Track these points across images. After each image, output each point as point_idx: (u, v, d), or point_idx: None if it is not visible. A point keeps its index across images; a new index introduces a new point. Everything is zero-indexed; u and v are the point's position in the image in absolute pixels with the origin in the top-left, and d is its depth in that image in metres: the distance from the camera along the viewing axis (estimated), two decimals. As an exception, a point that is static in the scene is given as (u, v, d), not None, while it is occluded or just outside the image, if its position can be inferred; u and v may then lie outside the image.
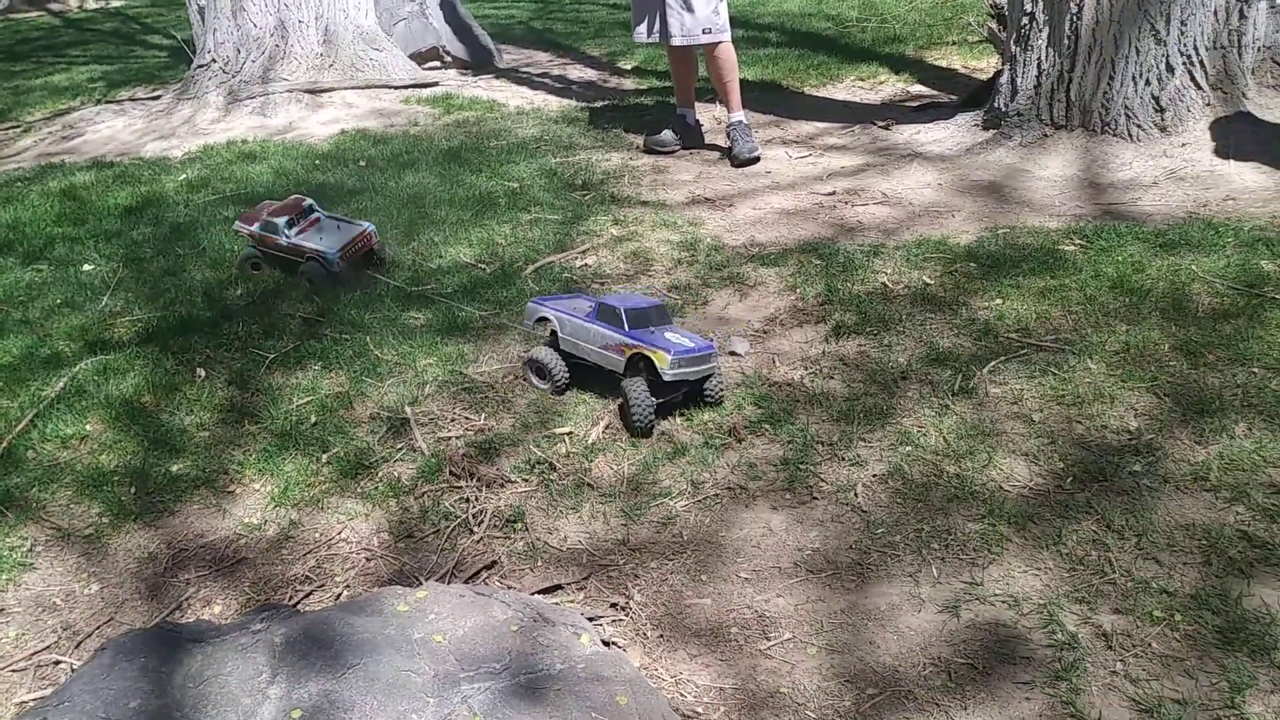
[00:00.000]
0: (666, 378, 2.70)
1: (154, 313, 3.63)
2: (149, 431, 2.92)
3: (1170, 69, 4.13)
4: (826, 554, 2.30)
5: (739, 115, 4.91)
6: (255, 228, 3.71)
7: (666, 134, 5.09)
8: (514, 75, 7.30)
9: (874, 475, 2.51)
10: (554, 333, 2.98)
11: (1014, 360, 2.89)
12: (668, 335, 2.80)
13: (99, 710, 1.65)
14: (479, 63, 7.61)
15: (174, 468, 2.78)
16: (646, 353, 2.73)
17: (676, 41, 4.76)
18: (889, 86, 5.97)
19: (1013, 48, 4.56)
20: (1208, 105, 4.19)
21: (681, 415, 2.82)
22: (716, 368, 2.86)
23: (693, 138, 5.14)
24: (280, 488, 2.66)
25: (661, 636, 2.12)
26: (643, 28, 4.90)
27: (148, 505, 2.65)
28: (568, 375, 2.95)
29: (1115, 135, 4.25)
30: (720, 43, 4.76)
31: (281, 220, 3.63)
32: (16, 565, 2.46)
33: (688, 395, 2.84)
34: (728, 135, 4.93)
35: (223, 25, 6.47)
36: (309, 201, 3.75)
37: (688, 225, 4.10)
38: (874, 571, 2.23)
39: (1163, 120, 4.18)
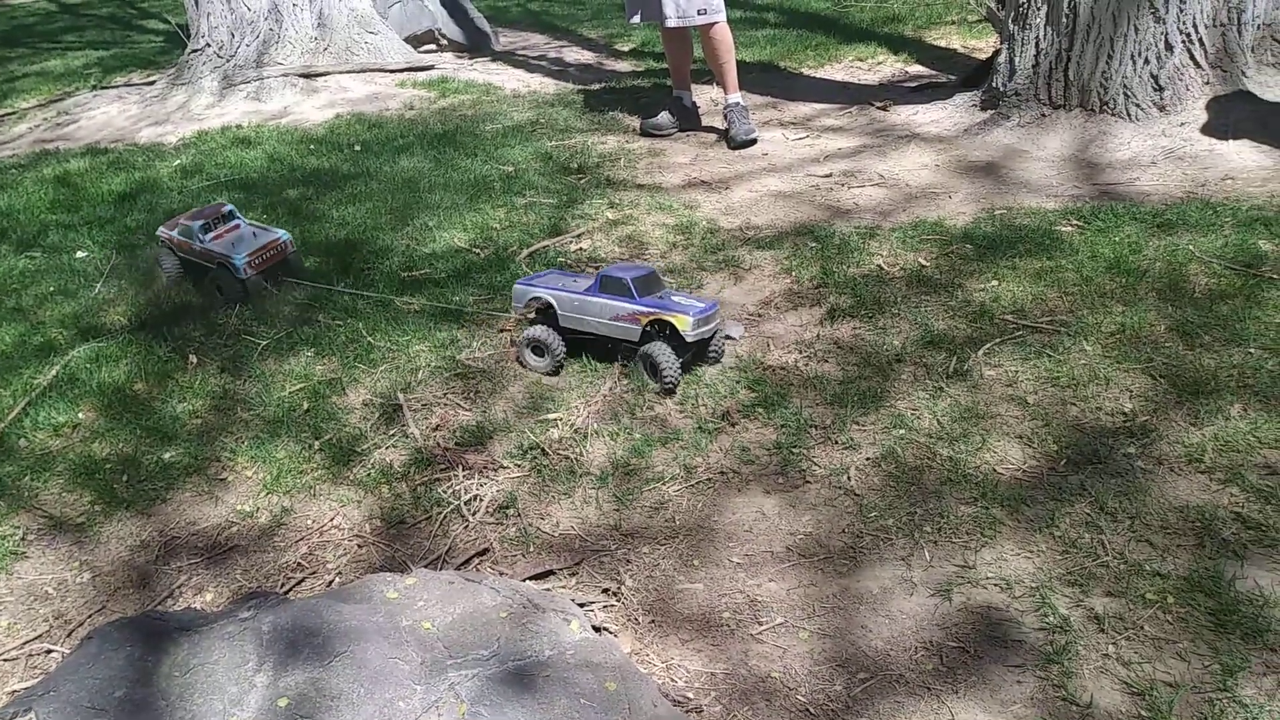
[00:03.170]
0: (690, 339, 2.79)
1: (147, 300, 3.62)
2: (141, 419, 2.92)
3: (1169, 47, 4.09)
4: (819, 538, 2.29)
5: (736, 97, 4.87)
6: (174, 233, 3.62)
7: (663, 116, 5.05)
8: (510, 58, 7.25)
9: (867, 459, 2.50)
10: (545, 310, 3.02)
11: (1009, 342, 2.87)
12: (676, 299, 2.88)
13: (84, 699, 1.65)
14: (475, 45, 7.57)
15: (166, 455, 2.77)
16: (666, 318, 2.81)
17: (671, 23, 4.71)
18: (888, 67, 5.92)
19: (1011, 26, 4.52)
20: (1207, 84, 4.15)
21: (674, 402, 2.81)
22: (721, 324, 2.94)
23: (690, 120, 5.10)
24: (272, 475, 2.65)
25: (653, 622, 2.12)
26: (638, 11, 4.85)
27: (140, 493, 2.64)
28: (565, 351, 2.98)
29: (1114, 115, 4.22)
30: (716, 23, 4.72)
31: (196, 225, 3.53)
32: (9, 554, 2.46)
33: (695, 354, 2.91)
34: (725, 117, 4.89)
35: (216, 9, 6.43)
36: (229, 208, 3.65)
37: (683, 208, 4.07)
38: (866, 555, 2.22)
39: (1162, 99, 4.14)
